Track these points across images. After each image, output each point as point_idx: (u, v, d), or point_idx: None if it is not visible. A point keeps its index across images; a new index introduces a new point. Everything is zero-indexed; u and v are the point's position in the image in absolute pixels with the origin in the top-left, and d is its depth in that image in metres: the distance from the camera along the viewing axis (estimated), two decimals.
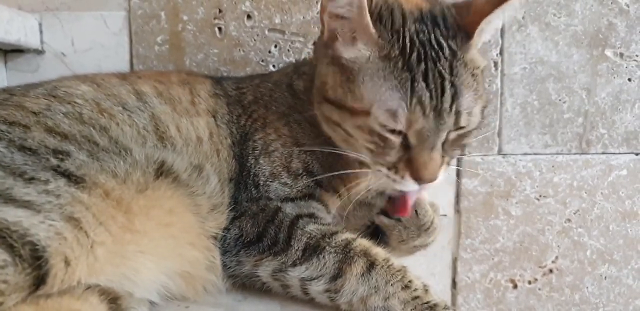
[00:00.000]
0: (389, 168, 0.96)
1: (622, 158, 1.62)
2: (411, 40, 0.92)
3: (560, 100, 1.59)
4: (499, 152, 1.61)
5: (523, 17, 1.56)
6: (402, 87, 0.90)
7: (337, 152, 1.02)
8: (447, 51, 0.93)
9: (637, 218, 1.64)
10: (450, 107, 0.91)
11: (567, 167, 1.61)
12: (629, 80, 1.59)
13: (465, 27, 0.96)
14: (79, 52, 1.52)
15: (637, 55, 1.59)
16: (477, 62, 0.97)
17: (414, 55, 0.91)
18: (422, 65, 0.91)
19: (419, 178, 0.94)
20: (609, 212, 1.64)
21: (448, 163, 0.98)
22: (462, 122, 0.93)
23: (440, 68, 0.91)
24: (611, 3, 1.57)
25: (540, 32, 1.57)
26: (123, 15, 1.52)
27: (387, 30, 0.93)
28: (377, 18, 0.93)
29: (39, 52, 1.51)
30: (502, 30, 1.56)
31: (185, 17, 1.51)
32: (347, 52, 0.95)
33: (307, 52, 1.53)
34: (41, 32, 1.50)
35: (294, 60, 1.52)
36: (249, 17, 1.52)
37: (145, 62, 1.52)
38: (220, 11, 1.51)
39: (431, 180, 0.95)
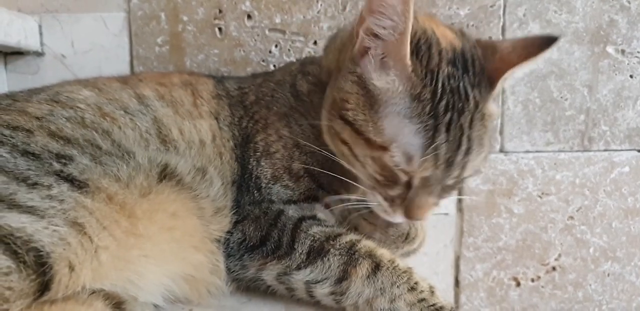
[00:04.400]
0: (385, 199, 0.98)
1: (624, 155, 1.62)
2: (443, 85, 0.90)
3: (561, 97, 1.59)
4: (501, 150, 1.60)
5: (524, 15, 1.55)
6: (426, 134, 0.89)
7: (337, 160, 1.02)
8: (471, 103, 0.92)
9: (639, 215, 1.64)
10: (461, 160, 0.93)
11: (569, 165, 1.61)
12: (631, 76, 1.59)
13: (489, 74, 0.95)
14: (79, 54, 1.51)
15: (638, 52, 1.58)
16: (492, 114, 0.98)
17: (443, 103, 0.90)
18: (448, 116, 0.90)
19: (409, 217, 0.97)
20: (612, 209, 1.63)
21: (438, 205, 1.00)
22: (466, 173, 0.96)
23: (463, 121, 0.91)
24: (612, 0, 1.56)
25: (542, 30, 1.56)
26: (123, 16, 1.51)
27: (422, 66, 0.91)
28: (414, 50, 0.91)
29: (39, 54, 1.50)
30: (503, 28, 1.56)
31: (185, 18, 1.51)
32: (378, 80, 0.92)
33: (308, 51, 1.52)
34: (41, 34, 1.49)
35: (294, 60, 1.52)
36: (249, 17, 1.51)
37: (146, 63, 1.52)
38: (220, 11, 1.51)
39: (420, 220, 0.99)
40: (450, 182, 0.96)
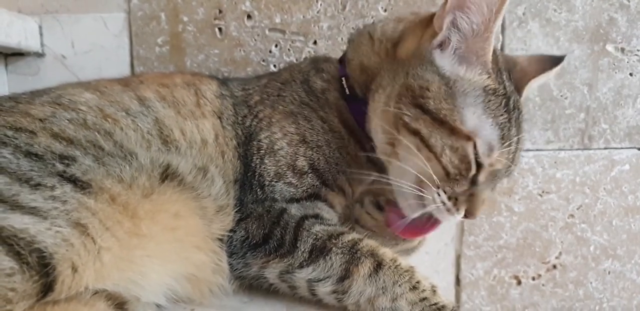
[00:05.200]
0: (449, 198, 0.96)
1: (624, 153, 1.62)
2: (506, 85, 0.97)
3: (561, 95, 1.59)
4: None
5: (524, 13, 1.56)
6: (503, 127, 0.94)
7: (372, 155, 1.04)
8: (521, 105, 1.00)
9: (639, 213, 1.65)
10: (519, 156, 0.99)
11: (569, 163, 1.61)
12: (631, 75, 1.59)
13: (515, 82, 1.02)
14: (79, 54, 1.51)
15: (638, 50, 1.58)
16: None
17: (512, 100, 0.96)
18: (515, 113, 0.96)
19: (471, 215, 0.97)
20: (612, 207, 1.64)
21: None
22: (517, 169, 1.02)
23: (521, 120, 0.98)
24: None
25: (541, 28, 1.56)
26: (123, 16, 1.51)
27: (495, 64, 0.97)
28: None
29: (40, 54, 1.50)
30: (503, 27, 1.56)
31: (185, 18, 1.51)
32: (460, 71, 0.96)
33: (308, 51, 1.53)
34: (41, 34, 1.50)
35: (294, 60, 1.52)
36: (249, 17, 1.52)
37: (146, 64, 1.52)
38: (220, 11, 1.51)
39: (477, 217, 0.99)
40: (506, 174, 1.00)
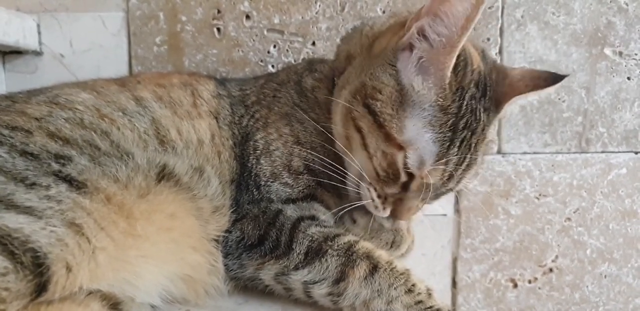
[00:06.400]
0: (378, 196, 1.00)
1: (621, 157, 1.62)
2: (467, 104, 0.94)
3: (559, 99, 1.59)
4: (499, 152, 1.61)
5: (522, 16, 1.56)
6: (442, 144, 0.92)
7: (339, 153, 1.04)
8: (480, 126, 0.96)
9: (636, 217, 1.64)
10: (459, 176, 0.97)
11: (566, 166, 1.61)
12: (628, 78, 1.59)
13: (497, 97, 0.99)
14: (78, 53, 1.51)
15: (636, 54, 1.58)
16: (490, 139, 1.04)
17: (463, 120, 0.93)
18: (464, 133, 0.94)
19: (396, 217, 1.02)
20: (609, 210, 1.64)
21: (421, 209, 1.04)
22: (458, 187, 1.00)
23: (472, 141, 0.95)
24: (610, 1, 1.56)
25: (540, 31, 1.56)
26: (121, 16, 1.51)
27: (457, 82, 0.93)
28: (455, 64, 0.93)
29: (38, 53, 1.50)
30: (501, 30, 1.56)
31: (184, 18, 1.51)
32: (415, 81, 0.93)
33: (306, 52, 1.53)
34: (39, 33, 1.50)
35: (292, 61, 1.52)
36: (247, 17, 1.52)
37: (144, 63, 1.52)
38: (219, 12, 1.51)
39: (404, 221, 1.03)
40: (442, 190, 1.00)
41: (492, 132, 1.02)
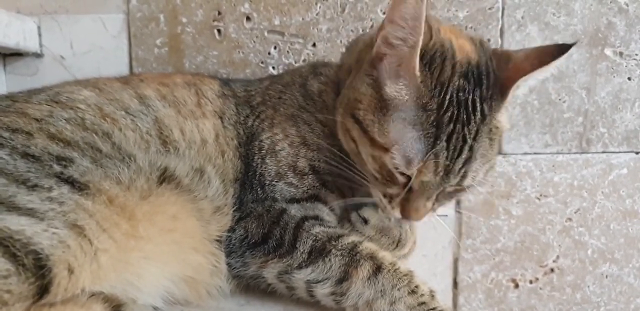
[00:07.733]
0: (384, 196, 1.00)
1: (622, 157, 1.62)
2: (450, 98, 0.93)
3: (560, 99, 1.59)
4: (499, 152, 1.60)
5: (522, 17, 1.56)
6: (426, 141, 0.92)
7: (345, 158, 1.04)
8: (478, 115, 0.94)
9: (637, 217, 1.64)
10: (460, 169, 0.94)
11: (567, 167, 1.61)
12: (629, 79, 1.59)
13: (501, 82, 0.97)
14: (78, 55, 1.51)
15: (636, 54, 1.58)
16: (501, 127, 0.99)
17: (447, 115, 0.92)
18: (451, 127, 0.92)
19: (406, 218, 1.00)
20: (610, 210, 1.64)
21: (435, 210, 1.02)
22: (465, 183, 0.97)
23: (466, 132, 0.93)
24: (610, 2, 1.56)
25: (540, 32, 1.56)
26: (122, 17, 1.51)
27: (433, 78, 0.93)
28: (428, 61, 0.93)
29: (38, 55, 1.50)
30: (502, 30, 1.56)
31: (184, 20, 1.51)
32: (390, 86, 0.94)
33: (307, 53, 1.53)
34: (40, 35, 1.50)
35: (293, 62, 1.52)
36: (248, 19, 1.52)
37: (145, 65, 1.52)
38: (219, 13, 1.51)
39: (416, 221, 1.01)
40: (450, 189, 0.98)
41: (502, 120, 0.99)
